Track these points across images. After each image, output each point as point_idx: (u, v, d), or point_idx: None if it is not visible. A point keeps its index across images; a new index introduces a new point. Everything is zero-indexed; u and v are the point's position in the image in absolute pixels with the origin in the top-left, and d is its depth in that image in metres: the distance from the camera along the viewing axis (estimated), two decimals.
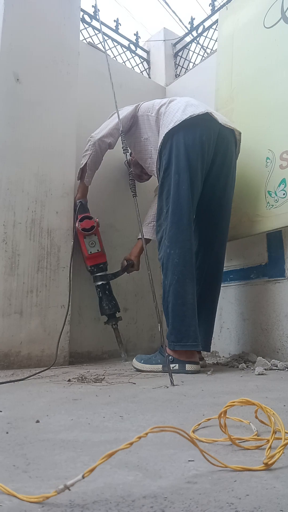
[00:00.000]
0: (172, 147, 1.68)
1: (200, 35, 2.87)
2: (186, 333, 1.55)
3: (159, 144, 1.75)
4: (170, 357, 1.54)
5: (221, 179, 1.79)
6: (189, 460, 0.53)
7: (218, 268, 1.84)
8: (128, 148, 1.76)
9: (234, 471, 0.50)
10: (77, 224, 1.96)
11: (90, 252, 1.99)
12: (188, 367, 1.53)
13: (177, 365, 1.53)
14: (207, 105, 1.81)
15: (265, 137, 1.91)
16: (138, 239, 2.22)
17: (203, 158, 1.69)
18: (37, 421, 0.75)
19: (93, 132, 1.95)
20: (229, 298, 2.19)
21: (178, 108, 1.74)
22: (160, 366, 1.56)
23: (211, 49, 2.75)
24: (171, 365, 1.51)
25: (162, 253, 1.67)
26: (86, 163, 1.95)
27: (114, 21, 2.85)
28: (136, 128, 1.94)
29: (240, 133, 1.85)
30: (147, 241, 2.18)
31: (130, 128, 1.95)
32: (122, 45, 2.88)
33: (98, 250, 2.00)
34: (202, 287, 1.78)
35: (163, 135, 1.71)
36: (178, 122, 1.66)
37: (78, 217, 1.98)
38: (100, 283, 2.02)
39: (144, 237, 2.18)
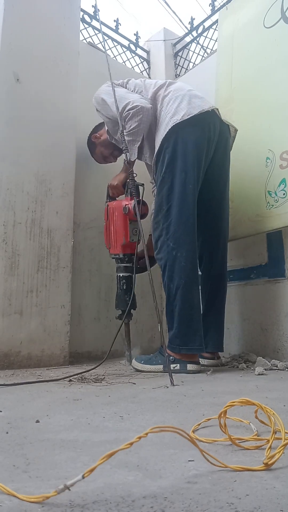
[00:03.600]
0: (178, 142, 1.59)
1: (200, 35, 2.87)
2: (193, 337, 1.54)
3: (160, 135, 1.63)
4: (171, 357, 1.54)
5: (221, 179, 1.77)
6: (189, 460, 0.53)
7: (223, 268, 1.82)
8: (127, 146, 1.73)
9: (234, 471, 0.50)
10: (131, 205, 1.75)
11: (132, 240, 1.81)
12: (190, 367, 1.53)
13: (178, 365, 1.53)
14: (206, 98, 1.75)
15: (265, 137, 1.91)
16: (149, 235, 2.18)
17: (207, 156, 1.64)
18: (37, 421, 0.75)
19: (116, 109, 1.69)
20: (229, 298, 2.17)
21: (182, 96, 1.65)
22: (161, 367, 1.55)
23: (211, 49, 2.75)
24: (172, 365, 1.50)
25: (164, 254, 1.59)
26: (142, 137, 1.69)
27: (114, 21, 2.85)
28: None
29: (236, 130, 1.81)
30: None
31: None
32: (122, 45, 2.88)
33: (138, 240, 1.82)
34: (210, 289, 1.76)
35: (169, 127, 1.60)
36: (187, 117, 1.58)
37: (134, 198, 1.67)
38: (127, 274, 1.87)
39: None
